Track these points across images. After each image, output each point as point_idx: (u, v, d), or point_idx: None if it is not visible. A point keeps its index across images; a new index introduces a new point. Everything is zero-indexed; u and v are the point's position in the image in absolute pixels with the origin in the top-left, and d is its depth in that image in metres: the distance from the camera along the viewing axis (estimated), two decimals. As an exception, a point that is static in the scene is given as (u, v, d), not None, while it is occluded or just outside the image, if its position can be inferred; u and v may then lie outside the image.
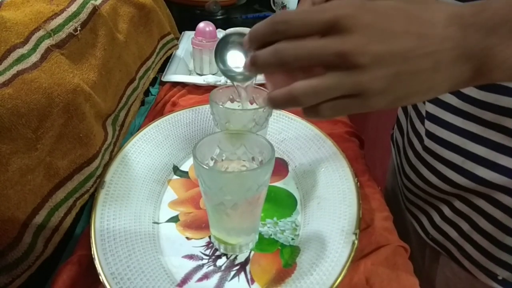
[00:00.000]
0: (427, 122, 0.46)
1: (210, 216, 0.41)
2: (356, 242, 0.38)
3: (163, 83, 0.77)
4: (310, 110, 0.29)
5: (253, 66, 0.30)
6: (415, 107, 0.51)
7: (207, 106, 0.62)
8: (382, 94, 0.26)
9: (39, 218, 0.37)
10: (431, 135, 0.46)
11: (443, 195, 0.48)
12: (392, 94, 0.27)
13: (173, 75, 0.76)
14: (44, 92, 0.39)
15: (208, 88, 0.76)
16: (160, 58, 0.79)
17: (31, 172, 0.37)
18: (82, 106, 0.43)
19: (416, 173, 0.50)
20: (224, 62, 0.41)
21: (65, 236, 0.39)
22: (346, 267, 0.35)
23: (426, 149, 0.47)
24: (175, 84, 0.77)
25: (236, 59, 0.40)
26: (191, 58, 0.86)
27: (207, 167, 0.36)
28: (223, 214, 0.38)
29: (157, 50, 0.76)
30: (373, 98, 0.26)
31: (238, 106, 0.50)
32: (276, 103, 0.30)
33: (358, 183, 0.45)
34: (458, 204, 0.46)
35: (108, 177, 0.45)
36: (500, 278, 0.45)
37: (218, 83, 0.74)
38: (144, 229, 0.42)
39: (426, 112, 0.46)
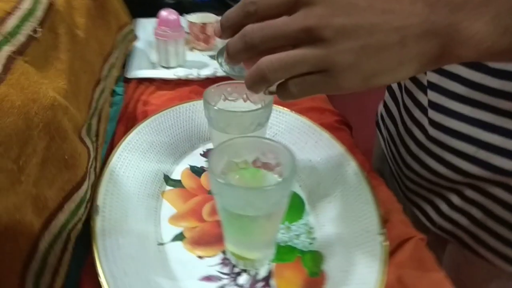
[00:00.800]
0: (430, 111, 0.46)
1: (228, 232, 0.37)
2: (384, 243, 0.36)
3: (127, 80, 0.71)
4: (280, 89, 0.30)
5: (228, 57, 0.32)
6: (411, 96, 0.50)
7: (187, 105, 0.57)
8: (349, 70, 0.26)
9: (35, 264, 0.31)
10: (436, 125, 0.45)
11: (451, 184, 0.47)
12: (360, 71, 0.27)
13: (138, 71, 0.69)
14: (20, 112, 0.32)
15: (178, 83, 0.71)
16: (123, 53, 0.71)
17: (18, 211, 0.31)
18: (63, 123, 0.37)
19: (420, 163, 0.49)
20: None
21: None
22: (383, 272, 0.34)
23: (430, 138, 0.47)
24: (141, 80, 0.70)
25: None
26: (153, 49, 0.79)
27: (225, 182, 0.32)
28: (244, 229, 0.35)
29: (117, 44, 0.69)
30: (340, 75, 0.27)
31: (232, 106, 0.47)
32: (248, 83, 0.31)
33: (368, 176, 0.44)
34: (469, 192, 0.46)
35: (100, 201, 0.39)
36: None
37: (190, 76, 0.69)
38: (151, 254, 0.38)
39: (429, 101, 0.46)
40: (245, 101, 0.48)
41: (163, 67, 0.76)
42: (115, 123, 0.60)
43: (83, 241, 0.37)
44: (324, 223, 0.42)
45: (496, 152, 0.41)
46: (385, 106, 0.61)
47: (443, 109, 0.45)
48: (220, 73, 0.71)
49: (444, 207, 0.50)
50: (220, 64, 0.40)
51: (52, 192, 0.35)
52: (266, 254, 0.38)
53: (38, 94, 0.35)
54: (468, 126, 0.43)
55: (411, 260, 0.38)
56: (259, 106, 0.46)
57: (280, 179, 0.36)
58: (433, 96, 0.45)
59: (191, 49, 0.85)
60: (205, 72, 0.70)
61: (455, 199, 0.48)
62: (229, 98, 0.47)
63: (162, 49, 0.73)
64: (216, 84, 0.46)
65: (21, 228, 0.30)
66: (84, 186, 0.38)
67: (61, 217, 0.35)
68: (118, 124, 0.58)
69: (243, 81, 0.37)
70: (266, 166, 0.37)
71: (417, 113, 0.49)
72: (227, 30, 0.31)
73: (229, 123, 0.42)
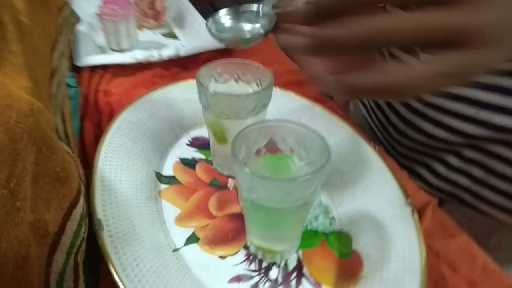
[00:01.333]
0: None
1: (255, 226, 0.34)
2: (415, 213, 0.36)
3: (76, 70, 0.62)
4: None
5: (318, 48, 0.24)
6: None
7: (161, 92, 0.52)
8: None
9: (53, 304, 0.26)
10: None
11: (449, 146, 0.48)
12: None
13: (89, 58, 0.61)
14: (0, 124, 0.26)
15: (136, 67, 0.64)
16: (68, 39, 0.62)
17: (22, 246, 0.25)
18: (46, 131, 0.31)
19: (415, 128, 0.49)
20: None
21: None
22: (422, 244, 0.34)
23: (427, 104, 0.46)
24: (93, 68, 0.62)
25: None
26: (97, 31, 0.70)
27: (261, 176, 0.29)
28: (276, 222, 0.33)
29: (60, 29, 0.59)
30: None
31: (224, 88, 0.42)
32: (361, 91, 0.24)
33: (377, 147, 0.43)
34: (468, 152, 0.47)
35: (100, 214, 0.34)
36: None
37: (151, 58, 0.62)
38: (170, 263, 0.34)
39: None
40: (237, 81, 0.43)
41: (114, 50, 0.68)
42: (78, 119, 0.53)
43: (89, 261, 0.32)
44: (340, 201, 0.41)
45: (497, 111, 0.42)
46: None
47: None
48: (184, 52, 0.65)
49: (441, 169, 0.50)
50: (211, 33, 0.35)
51: (51, 214, 0.29)
52: (295, 243, 0.36)
53: (12, 99, 0.29)
54: (467, 88, 0.43)
55: (434, 226, 0.39)
56: (254, 85, 0.43)
57: (302, 163, 0.34)
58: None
59: (139, 27, 0.77)
60: (167, 53, 0.63)
61: (453, 160, 0.49)
62: (219, 80, 0.43)
63: (112, 31, 0.65)
64: (205, 65, 0.41)
65: (30, 265, 0.25)
66: (81, 201, 0.32)
67: (65, 241, 0.30)
68: (83, 121, 0.51)
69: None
70: (286, 151, 0.35)
71: None
72: (314, 15, 0.24)
73: (231, 107, 0.38)
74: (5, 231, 0.23)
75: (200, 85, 0.38)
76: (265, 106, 0.40)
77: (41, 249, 0.27)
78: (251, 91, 0.43)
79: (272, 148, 0.35)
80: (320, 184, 0.30)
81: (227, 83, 0.44)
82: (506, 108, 0.42)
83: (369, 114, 0.61)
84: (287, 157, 0.35)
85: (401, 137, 0.53)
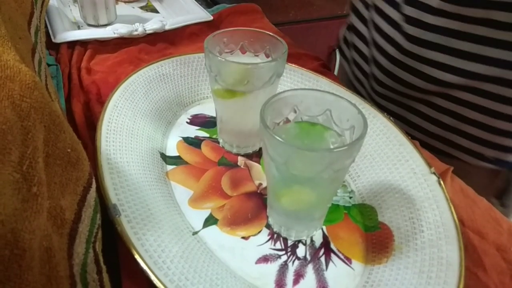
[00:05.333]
0: (407, 26, 0.47)
1: (282, 202, 0.32)
2: (441, 181, 0.35)
3: (52, 47, 0.57)
4: None
5: None
6: (382, 14, 0.52)
7: (153, 67, 0.48)
8: None
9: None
10: (412, 39, 0.47)
11: (422, 95, 0.52)
12: None
13: (66, 33, 0.56)
14: (2, 98, 0.22)
15: (117, 42, 0.60)
16: (40, 12, 0.56)
17: (44, 237, 0.22)
18: (52, 105, 0.27)
19: (394, 78, 0.53)
20: None
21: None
22: (453, 213, 0.33)
23: (406, 52, 0.49)
24: (69, 44, 0.57)
25: None
26: (68, 5, 0.64)
27: (294, 146, 0.27)
28: (307, 195, 0.31)
29: (34, 1, 0.54)
30: None
31: (231, 59, 0.40)
32: None
33: (390, 117, 0.42)
34: (439, 101, 0.51)
35: (113, 198, 0.31)
36: (490, 158, 0.52)
37: (135, 33, 0.58)
38: (194, 247, 0.31)
39: (406, 15, 0.47)
40: (243, 52, 0.41)
41: (91, 25, 0.62)
42: (63, 99, 0.48)
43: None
44: (358, 173, 0.40)
45: (469, 59, 0.45)
46: (351, 28, 0.62)
47: (420, 23, 0.46)
48: (170, 25, 0.61)
49: (414, 118, 0.54)
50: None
51: (66, 200, 0.26)
52: (323, 218, 0.35)
53: (11, 69, 0.25)
54: (442, 36, 0.45)
55: (454, 194, 0.38)
56: (263, 55, 0.40)
57: (333, 131, 0.32)
58: (409, 10, 0.46)
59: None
60: (152, 26, 0.59)
61: (426, 109, 0.53)
62: (226, 51, 0.40)
63: (88, 4, 0.60)
64: (212, 34, 0.38)
65: (55, 258, 0.22)
66: (93, 185, 0.29)
67: (83, 229, 0.26)
68: (71, 101, 0.46)
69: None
70: (312, 119, 0.33)
71: (390, 30, 0.51)
72: None
73: (246, 78, 0.36)
74: (26, 220, 0.20)
75: (210, 53, 0.35)
76: (279, 75, 0.37)
77: (60, 239, 0.24)
78: (259, 61, 0.40)
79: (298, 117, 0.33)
80: (357, 152, 0.28)
81: (233, 54, 0.41)
82: (479, 56, 0.44)
83: (351, 68, 0.63)
84: (314, 126, 0.33)
85: (381, 87, 0.56)
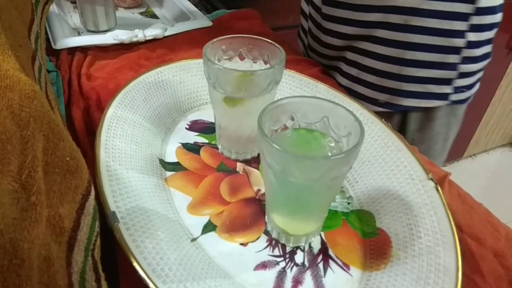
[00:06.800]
0: None
1: (281, 208, 0.33)
2: (439, 188, 0.35)
3: (52, 53, 0.57)
4: None
5: None
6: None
7: (152, 73, 0.48)
8: None
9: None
10: (327, 2, 0.59)
11: (338, 52, 0.63)
12: None
13: (66, 39, 0.56)
14: (1, 108, 0.23)
15: (117, 48, 0.60)
16: (40, 19, 0.57)
17: (42, 244, 0.22)
18: (51, 114, 0.27)
19: (317, 40, 0.65)
20: None
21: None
22: (451, 219, 0.33)
23: (324, 16, 0.60)
24: (69, 51, 0.58)
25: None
26: (68, 12, 0.65)
27: (291, 154, 0.27)
28: (304, 201, 0.31)
29: (34, 8, 0.54)
30: None
31: (230, 66, 0.40)
32: None
33: (389, 124, 0.42)
34: (349, 55, 0.61)
35: (112, 206, 0.31)
36: (382, 102, 0.61)
37: (135, 39, 0.58)
38: (193, 254, 0.32)
39: None
40: (242, 59, 0.41)
41: (91, 31, 0.63)
42: (62, 105, 0.48)
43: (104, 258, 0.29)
44: (356, 179, 0.40)
45: (366, 10, 0.55)
46: (301, 12, 0.73)
47: None
48: (170, 31, 0.61)
49: (336, 75, 0.65)
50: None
51: (65, 208, 0.26)
52: (320, 224, 0.35)
53: (10, 79, 0.25)
54: None
55: (452, 199, 0.38)
56: (261, 62, 0.41)
57: (328, 138, 0.32)
58: None
59: (115, 7, 0.72)
60: (152, 32, 0.59)
61: (342, 66, 0.63)
62: (224, 58, 0.40)
63: (88, 10, 0.61)
64: (211, 42, 0.38)
65: (54, 267, 0.22)
66: (92, 192, 0.29)
67: (82, 237, 0.27)
68: (71, 107, 0.47)
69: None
70: (309, 127, 0.33)
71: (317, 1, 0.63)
72: None
73: (244, 85, 0.36)
74: (24, 230, 0.20)
75: (208, 61, 0.36)
76: (277, 82, 0.38)
77: (59, 248, 0.24)
78: (257, 67, 0.40)
79: (296, 123, 0.33)
80: (355, 160, 0.28)
81: (231, 60, 0.41)
82: (374, 7, 0.54)
83: (303, 45, 0.75)
84: (312, 133, 0.33)
85: (312, 52, 0.68)
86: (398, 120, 0.63)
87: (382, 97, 0.60)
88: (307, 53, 0.73)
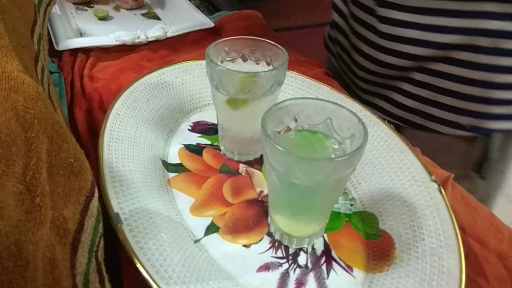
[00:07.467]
0: (379, 9, 0.52)
1: (284, 210, 0.33)
2: (442, 189, 0.35)
3: (54, 54, 0.57)
4: None
5: None
6: (357, 4, 0.56)
7: (155, 75, 0.48)
8: None
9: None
10: (385, 20, 0.52)
11: (402, 72, 0.55)
12: None
13: (69, 41, 0.56)
14: (5, 109, 0.23)
15: (120, 49, 0.60)
16: (43, 20, 0.57)
17: (46, 246, 0.22)
18: (56, 117, 0.27)
19: (373, 61, 0.56)
20: None
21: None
22: (454, 221, 0.33)
23: (381, 34, 0.53)
24: (72, 52, 0.58)
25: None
26: (74, 13, 0.65)
27: (294, 156, 0.27)
28: (308, 203, 0.31)
29: (37, 9, 0.54)
30: None
31: (233, 68, 0.40)
32: None
33: (392, 125, 0.42)
34: (417, 76, 0.54)
35: (116, 207, 0.31)
36: (466, 126, 0.54)
37: (137, 40, 0.58)
38: (196, 256, 0.32)
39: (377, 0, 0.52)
40: (245, 60, 0.41)
41: (93, 33, 0.63)
42: (65, 107, 0.48)
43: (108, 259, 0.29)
44: (358, 181, 0.40)
45: (441, 31, 0.49)
46: (334, 24, 0.66)
47: (390, 4, 0.51)
48: (171, 32, 0.61)
49: (396, 96, 0.58)
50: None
51: (69, 210, 0.26)
52: (323, 226, 0.35)
53: (14, 81, 0.25)
54: (412, 14, 0.49)
55: (455, 201, 0.38)
56: (264, 64, 0.41)
57: (333, 139, 0.32)
58: None
59: (116, 8, 0.72)
60: (154, 33, 0.59)
61: (406, 86, 0.56)
62: (227, 59, 0.40)
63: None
64: (214, 43, 0.38)
65: (58, 269, 0.22)
66: (96, 194, 0.29)
67: (86, 239, 0.27)
68: (73, 109, 0.47)
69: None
70: (312, 128, 0.33)
71: (365, 16, 0.55)
72: None
73: (247, 86, 0.36)
74: (29, 231, 0.20)
75: (211, 62, 0.36)
76: (280, 84, 0.38)
77: (63, 249, 0.24)
78: (260, 69, 0.40)
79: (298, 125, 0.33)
80: (358, 161, 0.28)
81: (234, 62, 0.41)
82: (449, 27, 0.48)
83: (337, 61, 0.67)
84: (315, 134, 0.33)
85: (363, 72, 0.59)
86: (482, 144, 0.56)
87: (464, 120, 0.53)
88: (346, 68, 0.65)
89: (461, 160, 0.55)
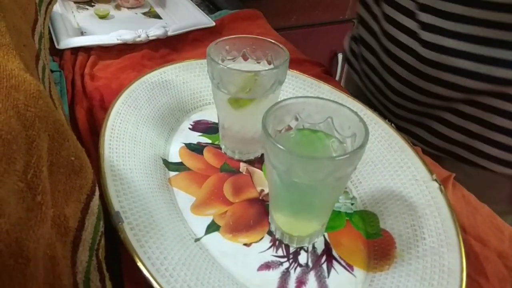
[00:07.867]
0: (423, 33, 0.46)
1: (286, 209, 0.33)
2: (443, 188, 0.35)
3: (55, 53, 0.57)
4: None
5: None
6: (394, 22, 0.50)
7: (156, 73, 0.48)
8: None
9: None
10: (429, 45, 0.46)
11: (447, 103, 0.49)
12: None
13: (70, 39, 0.56)
14: (6, 107, 0.23)
15: (120, 48, 0.60)
16: (44, 19, 0.57)
17: (47, 244, 0.22)
18: (57, 115, 0.27)
19: (412, 87, 0.50)
20: None
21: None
22: (455, 220, 0.33)
23: (424, 60, 0.47)
24: (73, 50, 0.58)
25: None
26: (75, 12, 0.65)
27: (296, 154, 0.27)
28: (309, 201, 0.31)
29: (38, 8, 0.54)
30: None
31: (234, 67, 0.40)
32: None
33: (393, 124, 0.42)
34: (465, 108, 0.48)
35: (116, 205, 0.31)
36: None
37: (138, 39, 0.58)
38: (197, 254, 0.32)
39: (422, 22, 0.46)
40: (245, 59, 0.41)
41: (95, 32, 0.63)
42: (66, 105, 0.48)
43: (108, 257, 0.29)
44: (359, 180, 0.40)
45: (499, 65, 0.43)
46: (359, 39, 0.60)
47: (437, 29, 0.45)
48: (172, 31, 0.61)
49: (438, 126, 0.52)
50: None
51: (70, 208, 0.26)
52: (324, 225, 0.35)
53: (16, 79, 0.25)
54: (465, 43, 0.43)
55: (456, 200, 0.38)
56: (265, 62, 0.41)
57: (334, 138, 0.32)
58: (425, 17, 0.45)
59: (117, 7, 0.72)
60: (155, 32, 0.59)
61: (451, 117, 0.50)
62: (228, 58, 0.40)
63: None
64: (214, 42, 0.38)
65: (59, 267, 0.22)
66: (97, 192, 0.29)
67: (86, 237, 0.27)
68: (74, 107, 0.47)
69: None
70: (313, 127, 0.33)
71: (404, 38, 0.49)
72: None
73: (248, 85, 0.36)
74: (30, 229, 0.20)
75: (212, 61, 0.36)
76: (281, 83, 0.38)
77: (64, 247, 0.24)
78: (261, 68, 0.40)
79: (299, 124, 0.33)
80: (359, 160, 0.28)
81: (235, 61, 0.41)
82: (506, 61, 0.42)
83: (361, 80, 0.61)
84: (316, 133, 0.33)
85: (399, 98, 0.53)
86: None
87: None
88: (375, 89, 0.59)
89: (509, 198, 0.50)
